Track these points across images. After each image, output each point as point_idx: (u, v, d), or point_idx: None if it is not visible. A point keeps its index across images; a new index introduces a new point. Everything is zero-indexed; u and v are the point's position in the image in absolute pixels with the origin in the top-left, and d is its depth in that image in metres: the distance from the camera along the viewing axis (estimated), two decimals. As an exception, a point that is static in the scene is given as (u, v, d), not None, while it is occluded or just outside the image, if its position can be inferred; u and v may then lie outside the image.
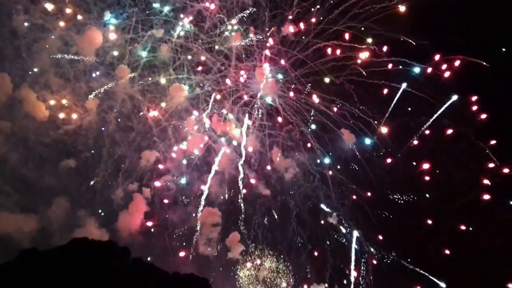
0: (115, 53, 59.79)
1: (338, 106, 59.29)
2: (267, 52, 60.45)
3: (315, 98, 59.76)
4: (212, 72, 61.02)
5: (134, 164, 59.44)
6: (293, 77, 60.32)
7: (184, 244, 58.10)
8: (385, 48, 57.49)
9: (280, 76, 60.93)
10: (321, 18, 59.30)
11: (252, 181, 59.80)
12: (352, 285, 58.04)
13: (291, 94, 60.33)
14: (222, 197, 59.80)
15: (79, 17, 58.76)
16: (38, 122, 57.35)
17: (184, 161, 59.81)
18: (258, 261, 58.74)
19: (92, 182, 58.29)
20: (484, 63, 56.26)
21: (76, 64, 59.20)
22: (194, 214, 58.67)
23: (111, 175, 59.15)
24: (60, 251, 31.72)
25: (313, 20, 59.50)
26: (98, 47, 59.16)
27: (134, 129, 59.95)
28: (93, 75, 59.62)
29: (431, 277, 56.32)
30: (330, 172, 59.72)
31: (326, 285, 58.18)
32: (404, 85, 57.79)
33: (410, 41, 57.35)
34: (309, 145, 60.23)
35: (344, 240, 59.12)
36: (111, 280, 29.98)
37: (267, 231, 59.44)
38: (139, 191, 58.29)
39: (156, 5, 60.14)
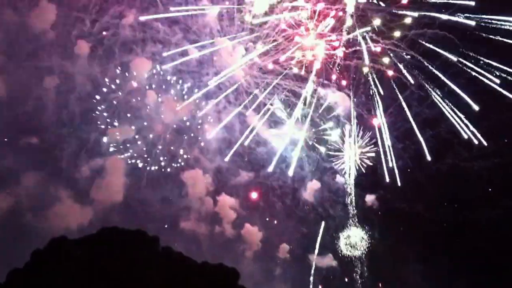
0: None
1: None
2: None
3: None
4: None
5: (101, 140, 59.70)
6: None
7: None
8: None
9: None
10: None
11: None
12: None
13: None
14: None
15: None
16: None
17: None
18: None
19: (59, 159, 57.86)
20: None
21: (33, 43, 57.90)
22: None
23: (77, 151, 59.15)
24: (90, 240, 33.52)
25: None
26: (53, 22, 57.94)
27: (97, 108, 59.62)
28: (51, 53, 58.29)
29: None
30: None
31: None
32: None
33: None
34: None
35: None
36: (142, 268, 31.49)
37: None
38: (111, 166, 58.84)
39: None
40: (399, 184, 60.68)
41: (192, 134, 61.59)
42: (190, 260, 33.81)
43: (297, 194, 62.14)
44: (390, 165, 60.91)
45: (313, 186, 62.28)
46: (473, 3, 58.38)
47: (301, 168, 62.15)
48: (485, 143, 59.05)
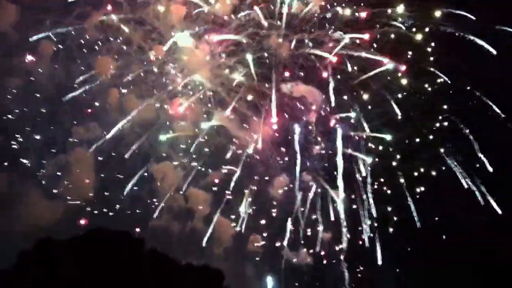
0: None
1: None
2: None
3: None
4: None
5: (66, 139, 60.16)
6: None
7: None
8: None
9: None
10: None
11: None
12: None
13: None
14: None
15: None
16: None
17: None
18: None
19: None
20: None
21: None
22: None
23: (43, 150, 59.48)
24: (75, 241, 34.31)
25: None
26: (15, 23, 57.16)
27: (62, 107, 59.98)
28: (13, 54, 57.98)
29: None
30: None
31: None
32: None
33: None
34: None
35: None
36: (127, 270, 32.01)
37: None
38: (78, 163, 59.10)
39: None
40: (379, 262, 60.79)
41: (159, 131, 62.27)
42: (174, 261, 34.61)
43: (265, 190, 63.50)
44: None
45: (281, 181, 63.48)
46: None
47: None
48: (499, 211, 56.74)
